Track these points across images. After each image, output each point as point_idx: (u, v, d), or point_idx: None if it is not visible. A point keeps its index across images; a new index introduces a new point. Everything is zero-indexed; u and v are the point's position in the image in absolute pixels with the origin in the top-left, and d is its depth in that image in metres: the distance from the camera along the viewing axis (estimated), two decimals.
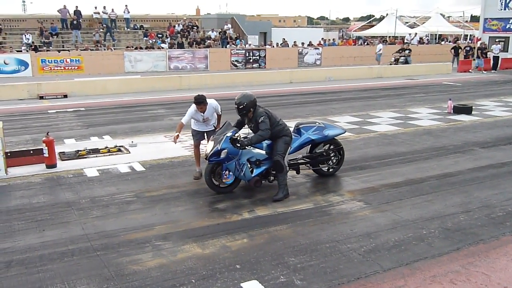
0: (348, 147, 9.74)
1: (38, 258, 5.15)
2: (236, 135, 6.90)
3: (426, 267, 4.88)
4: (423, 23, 50.65)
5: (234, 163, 6.88)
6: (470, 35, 45.52)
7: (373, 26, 51.75)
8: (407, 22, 51.58)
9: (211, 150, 6.84)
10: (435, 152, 9.51)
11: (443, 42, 40.11)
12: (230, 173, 6.96)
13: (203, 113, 7.63)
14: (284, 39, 32.86)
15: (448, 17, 55.45)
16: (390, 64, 28.01)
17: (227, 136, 6.82)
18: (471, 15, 62.36)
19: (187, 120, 7.67)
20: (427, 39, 43.11)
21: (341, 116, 13.54)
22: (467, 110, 13.79)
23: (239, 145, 6.77)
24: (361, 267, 4.89)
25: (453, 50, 30.43)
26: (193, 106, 7.60)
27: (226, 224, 6.02)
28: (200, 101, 7.49)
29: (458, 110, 13.85)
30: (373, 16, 60.55)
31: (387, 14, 50.32)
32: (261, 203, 6.75)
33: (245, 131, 7.27)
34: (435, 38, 45.80)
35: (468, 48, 30.32)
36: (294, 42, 32.77)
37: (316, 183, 7.68)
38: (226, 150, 6.77)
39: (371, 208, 6.53)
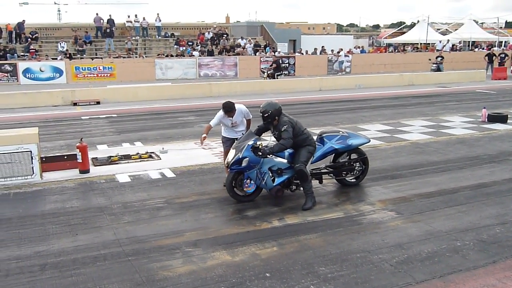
0: (379, 155, 9.65)
1: (71, 261, 5.25)
2: (258, 143, 6.88)
3: (461, 280, 4.77)
4: (456, 29, 49.81)
5: (255, 171, 6.86)
6: (505, 41, 44.53)
7: (404, 33, 51.16)
8: (439, 29, 50.81)
9: (233, 159, 6.84)
10: (469, 161, 9.30)
11: (476, 49, 39.30)
12: (252, 181, 6.94)
13: (232, 118, 7.64)
14: (323, 47, 32.65)
15: (482, 23, 54.40)
16: (264, 79, 24.41)
17: (248, 144, 6.80)
18: (506, 21, 61.09)
19: (215, 123, 7.67)
20: (460, 46, 42.34)
21: (372, 124, 13.39)
22: (502, 119, 13.44)
23: (260, 153, 6.75)
24: (392, 279, 4.80)
25: (487, 57, 29.82)
26: (220, 113, 7.63)
27: (256, 232, 6.01)
28: (229, 110, 7.49)
29: (492, 118, 13.52)
30: (404, 23, 60.08)
31: (418, 21, 49.70)
32: (291, 211, 6.72)
33: (267, 140, 7.26)
34: (468, 45, 44.95)
35: (503, 55, 29.65)
36: (323, 47, 32.63)
37: (346, 192, 7.60)
38: (247, 158, 6.75)
39: (403, 218, 6.42)
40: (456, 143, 10.95)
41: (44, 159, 8.60)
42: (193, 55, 29.27)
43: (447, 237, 5.78)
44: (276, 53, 31.34)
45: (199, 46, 31.30)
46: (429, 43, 42.51)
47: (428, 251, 5.41)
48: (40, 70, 25.18)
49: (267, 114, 6.84)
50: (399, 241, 5.68)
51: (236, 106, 7.60)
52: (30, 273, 5.00)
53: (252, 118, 7.95)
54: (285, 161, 7.04)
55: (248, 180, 6.94)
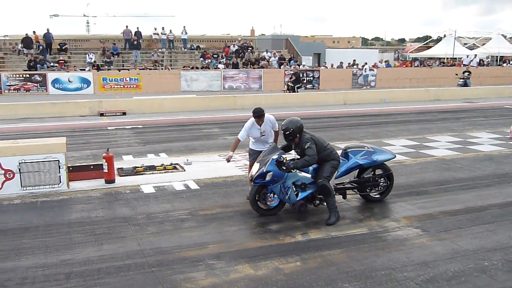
0: (404, 171, 9.54)
1: (96, 271, 5.31)
2: (283, 157, 6.87)
3: None
4: (484, 44, 49.14)
5: (279, 186, 6.84)
6: None
7: (430, 47, 50.70)
8: (466, 44, 50.21)
9: (257, 172, 6.84)
10: (497, 179, 9.11)
11: (504, 64, 38.67)
12: (275, 196, 6.92)
13: (260, 126, 7.57)
14: (354, 60, 32.65)
15: (511, 38, 53.52)
16: (284, 92, 24.65)
17: (273, 158, 6.80)
18: None
19: (243, 135, 7.61)
20: (488, 61, 41.73)
21: (397, 139, 13.26)
22: None
23: (284, 168, 6.73)
24: None
25: None
26: (250, 120, 7.58)
27: (279, 246, 5.99)
28: (260, 115, 7.46)
29: None
30: (430, 37, 59.35)
31: (445, 35, 49.21)
32: (314, 226, 6.67)
33: (292, 154, 7.24)
34: (496, 60, 44.25)
35: None
36: (354, 60, 32.56)
37: (370, 208, 7.51)
38: (271, 172, 6.74)
39: (428, 235, 6.31)
40: (483, 159, 10.76)
41: (71, 168, 8.75)
42: (218, 68, 29.54)
43: (474, 256, 5.66)
44: (301, 66, 31.40)
45: (224, 59, 31.59)
46: (455, 58, 42.03)
47: (454, 270, 5.31)
48: (69, 80, 25.74)
49: (288, 132, 6.83)
50: (425, 259, 5.58)
51: (266, 115, 7.58)
52: (55, 281, 5.07)
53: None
54: (309, 175, 7.00)
55: (272, 194, 6.92)
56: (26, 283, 5.04)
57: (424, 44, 55.80)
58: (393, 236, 6.33)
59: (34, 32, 30.13)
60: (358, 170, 7.61)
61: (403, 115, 18.75)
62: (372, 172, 7.70)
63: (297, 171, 6.91)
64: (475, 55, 38.47)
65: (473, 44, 50.89)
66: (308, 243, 6.10)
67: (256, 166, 6.99)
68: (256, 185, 6.92)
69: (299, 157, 6.97)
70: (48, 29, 30.09)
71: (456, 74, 29.21)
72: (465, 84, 27.82)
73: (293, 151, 7.20)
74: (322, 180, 6.78)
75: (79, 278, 5.14)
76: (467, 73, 28.43)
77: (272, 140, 7.73)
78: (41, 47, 29.28)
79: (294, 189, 6.90)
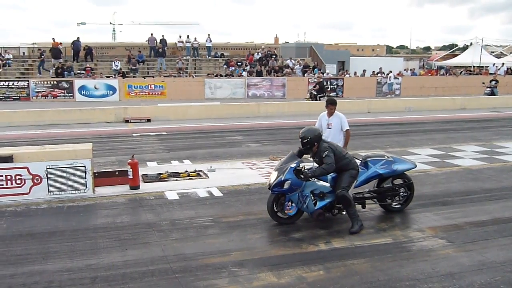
0: (429, 181, 9.42)
1: (120, 276, 5.37)
2: (301, 166, 6.85)
3: None
4: (511, 52, 48.30)
5: (297, 194, 6.82)
6: None
7: (456, 55, 50.07)
8: (493, 52, 49.43)
9: (275, 180, 6.83)
10: None
11: None
12: (293, 204, 6.90)
13: (329, 118, 8.16)
14: (381, 68, 32.48)
15: None
16: (307, 100, 24.61)
17: (291, 167, 6.78)
18: None
19: (317, 124, 8.19)
20: None
21: (422, 148, 13.10)
22: None
23: (302, 176, 6.71)
24: None
25: None
26: (323, 112, 8.33)
27: (302, 255, 5.97)
28: (332, 102, 8.22)
29: None
30: (456, 45, 58.62)
31: (471, 44, 48.57)
32: (338, 234, 6.63)
33: (310, 163, 7.21)
34: None
35: None
36: (381, 68, 32.30)
37: (395, 217, 7.43)
38: (289, 181, 6.73)
39: (454, 246, 6.21)
40: (511, 170, 10.54)
41: (96, 174, 8.88)
42: (242, 75, 29.69)
43: (501, 268, 5.55)
44: (325, 74, 31.31)
45: (248, 67, 31.73)
46: (482, 66, 41.38)
47: (480, 282, 5.21)
48: (95, 87, 26.23)
49: (306, 140, 6.83)
50: (450, 270, 5.50)
51: (338, 112, 8.23)
52: (81, 285, 5.15)
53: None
54: (327, 184, 6.96)
55: (290, 203, 6.91)
56: (52, 287, 5.13)
57: (450, 53, 55.15)
58: (418, 246, 6.25)
59: (53, 39, 30.42)
60: (377, 179, 7.54)
61: (428, 124, 18.53)
62: (392, 182, 7.61)
63: (316, 180, 6.88)
64: (503, 63, 37.83)
65: (501, 52, 50.07)
66: (332, 252, 6.07)
67: (274, 174, 6.99)
68: (274, 194, 6.93)
69: (317, 165, 6.95)
70: (78, 38, 30.74)
71: (483, 83, 28.74)
72: (492, 93, 27.36)
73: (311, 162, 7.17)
74: (341, 191, 6.74)
75: (104, 283, 5.21)
76: (494, 82, 27.95)
77: (339, 141, 8.00)
78: (44, 56, 29.53)
79: (312, 198, 6.87)
